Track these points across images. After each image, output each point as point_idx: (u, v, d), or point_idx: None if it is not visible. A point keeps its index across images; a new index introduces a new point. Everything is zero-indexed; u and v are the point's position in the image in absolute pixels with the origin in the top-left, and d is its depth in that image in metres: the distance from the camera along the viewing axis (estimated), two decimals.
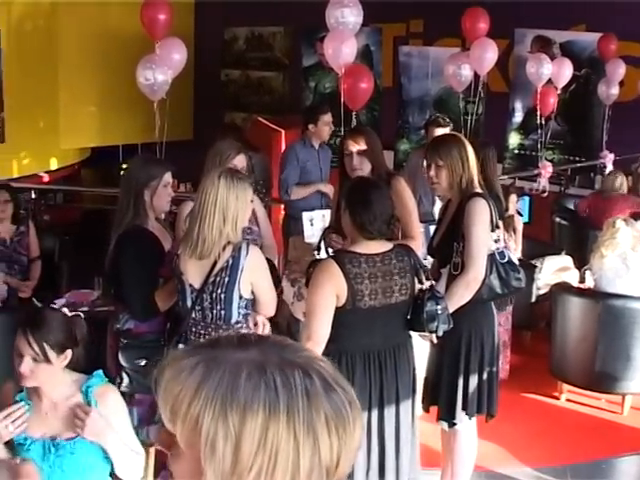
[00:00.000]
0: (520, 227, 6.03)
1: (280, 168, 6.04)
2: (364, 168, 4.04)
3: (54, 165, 9.44)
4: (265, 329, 3.46)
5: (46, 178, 9.27)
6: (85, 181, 10.95)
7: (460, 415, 3.67)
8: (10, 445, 2.61)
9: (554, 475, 4.42)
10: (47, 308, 2.75)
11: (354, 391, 1.04)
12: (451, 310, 3.38)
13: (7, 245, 5.63)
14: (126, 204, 3.59)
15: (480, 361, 3.65)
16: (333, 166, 5.87)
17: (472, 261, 3.52)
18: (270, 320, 3.55)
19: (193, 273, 3.30)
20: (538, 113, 7.79)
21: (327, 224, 4.66)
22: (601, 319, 5.05)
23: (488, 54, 6.94)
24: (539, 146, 8.14)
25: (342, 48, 5.65)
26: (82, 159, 10.14)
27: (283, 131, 8.95)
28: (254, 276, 3.30)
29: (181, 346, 3.27)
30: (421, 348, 3.68)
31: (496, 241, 3.66)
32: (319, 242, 4.08)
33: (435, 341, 3.52)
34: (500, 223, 3.79)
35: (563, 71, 7.81)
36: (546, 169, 8.03)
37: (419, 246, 3.93)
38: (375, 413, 3.21)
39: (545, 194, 7.91)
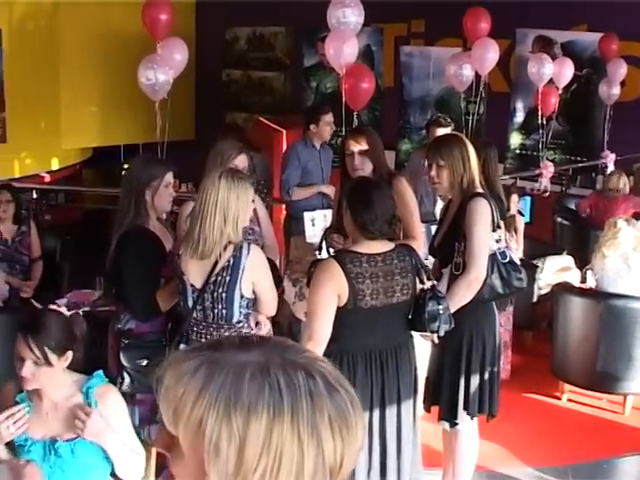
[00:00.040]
0: (521, 227, 6.03)
1: (281, 168, 6.04)
2: (365, 168, 4.04)
3: (55, 165, 9.45)
4: (266, 329, 3.47)
5: (47, 178, 9.28)
6: (86, 181, 10.96)
7: (461, 415, 3.67)
8: (11, 446, 2.61)
9: (555, 475, 4.42)
10: (46, 311, 2.73)
11: (355, 391, 1.04)
12: (452, 310, 3.38)
13: (9, 245, 5.64)
14: (127, 204, 3.59)
15: (481, 361, 3.64)
16: (334, 166, 5.86)
17: (473, 261, 3.52)
18: (271, 320, 3.56)
19: (194, 273, 3.30)
20: (539, 113, 7.79)
21: (328, 224, 4.66)
22: (602, 319, 5.04)
23: (489, 54, 6.93)
24: (540, 146, 8.14)
25: (343, 48, 5.65)
26: (83, 159, 10.16)
27: (284, 131, 8.96)
28: (255, 275, 3.30)
29: (182, 346, 3.27)
30: (422, 348, 3.68)
31: (497, 241, 3.66)
32: (320, 242, 4.08)
33: (436, 341, 3.52)
34: (501, 223, 3.78)
35: (564, 71, 7.81)
36: (547, 169, 8.03)
37: (420, 246, 3.93)
38: (377, 413, 3.21)
39: (546, 194, 7.91)
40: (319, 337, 3.10)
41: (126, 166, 8.71)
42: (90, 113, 9.67)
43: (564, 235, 7.84)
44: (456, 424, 3.71)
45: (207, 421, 0.96)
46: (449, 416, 3.70)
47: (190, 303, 3.34)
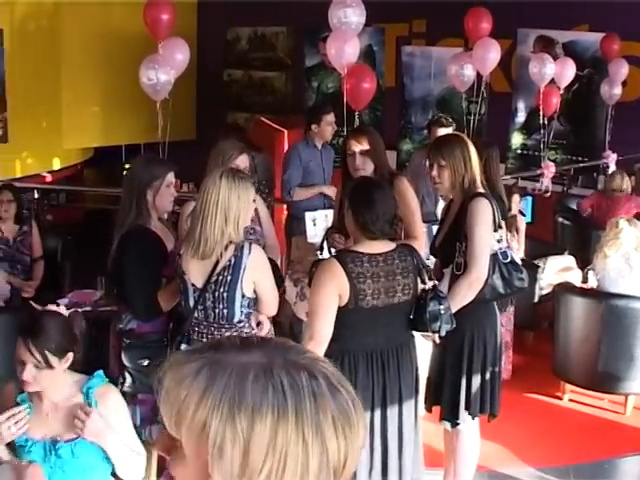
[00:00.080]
0: (523, 227, 6.03)
1: (283, 168, 6.04)
2: (367, 168, 4.04)
3: (57, 165, 9.45)
4: (267, 328, 3.47)
5: (49, 178, 9.28)
6: (88, 181, 10.96)
7: (463, 415, 3.67)
8: (11, 447, 2.61)
9: (557, 475, 4.42)
10: (45, 313, 2.72)
11: (357, 391, 1.05)
12: (454, 310, 3.38)
13: (10, 245, 5.64)
14: (129, 204, 3.59)
15: (483, 361, 3.64)
16: (336, 166, 5.87)
17: (475, 261, 3.52)
18: (272, 320, 3.56)
19: (195, 273, 3.30)
20: (541, 113, 7.79)
21: (330, 224, 4.66)
22: (604, 319, 5.04)
23: (491, 54, 6.93)
24: (542, 146, 8.14)
25: (345, 48, 5.65)
26: (85, 159, 10.16)
27: (286, 131, 8.95)
28: (256, 275, 3.31)
29: (184, 346, 3.27)
30: (424, 348, 3.68)
31: (499, 241, 3.66)
32: (322, 242, 4.08)
33: (438, 341, 3.51)
34: (503, 223, 3.78)
35: (566, 71, 7.80)
36: (549, 169, 8.02)
37: (422, 246, 3.93)
38: (378, 413, 3.21)
39: (548, 194, 7.91)
40: (320, 337, 3.10)
41: (127, 166, 8.75)
42: (91, 113, 9.67)
43: (565, 235, 7.84)
44: (457, 424, 3.71)
45: (211, 423, 0.95)
46: (450, 416, 3.70)
47: (191, 303, 3.34)
